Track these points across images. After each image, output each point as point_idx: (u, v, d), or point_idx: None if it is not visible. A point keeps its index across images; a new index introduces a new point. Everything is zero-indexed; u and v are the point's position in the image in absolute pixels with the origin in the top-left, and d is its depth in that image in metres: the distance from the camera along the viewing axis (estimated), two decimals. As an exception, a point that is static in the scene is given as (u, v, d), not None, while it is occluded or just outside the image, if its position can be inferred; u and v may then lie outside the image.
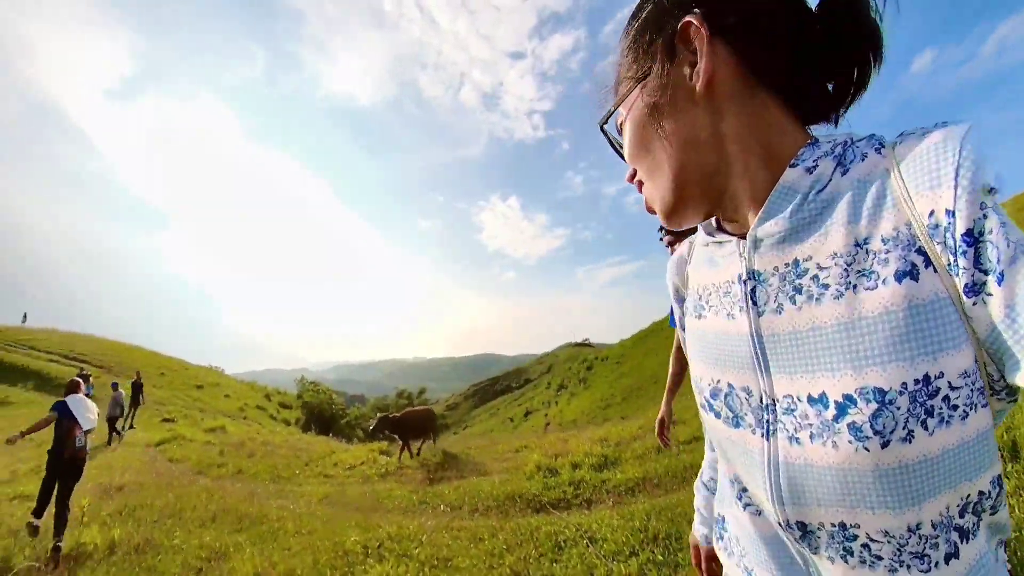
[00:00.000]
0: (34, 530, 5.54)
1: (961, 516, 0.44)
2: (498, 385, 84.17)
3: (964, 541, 0.45)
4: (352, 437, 22.48)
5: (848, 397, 0.44)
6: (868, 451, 0.43)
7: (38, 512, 5.68)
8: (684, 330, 0.70)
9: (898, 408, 0.42)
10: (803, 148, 0.50)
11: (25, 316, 35.95)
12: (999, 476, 0.46)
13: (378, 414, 12.70)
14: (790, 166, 0.49)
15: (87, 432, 5.94)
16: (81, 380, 6.30)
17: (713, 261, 0.61)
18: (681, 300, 0.71)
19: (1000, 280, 0.39)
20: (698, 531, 0.92)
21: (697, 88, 0.50)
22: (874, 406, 0.43)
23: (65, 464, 5.79)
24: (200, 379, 27.06)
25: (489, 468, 9.87)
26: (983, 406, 0.43)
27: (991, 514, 0.47)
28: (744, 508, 0.60)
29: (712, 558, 0.90)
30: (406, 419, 11.57)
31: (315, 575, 4.58)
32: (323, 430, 23.05)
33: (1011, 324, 0.39)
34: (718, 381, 0.57)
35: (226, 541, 5.75)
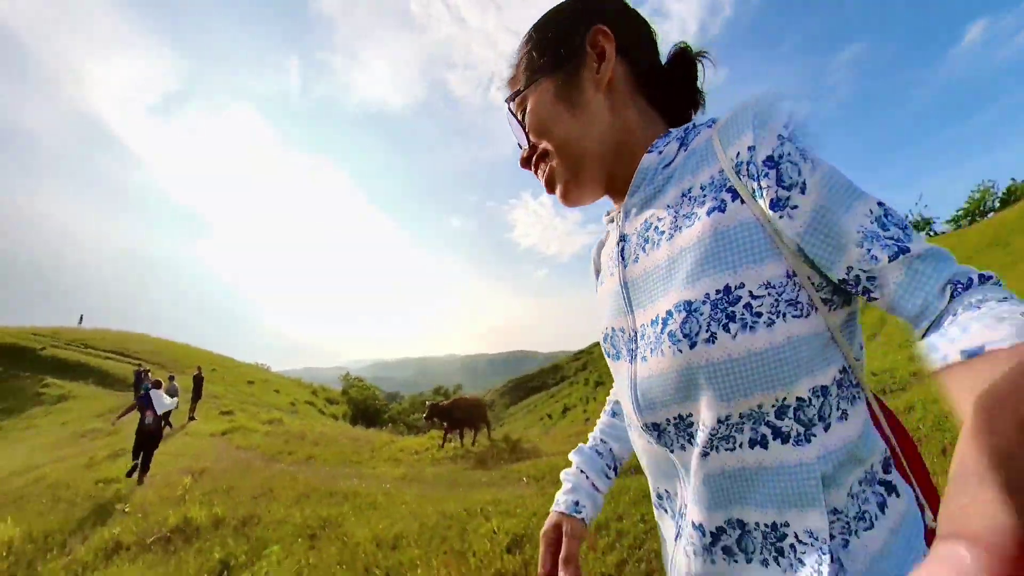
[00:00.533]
0: (131, 474, 8.01)
1: (778, 418, 0.50)
2: (533, 382, 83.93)
3: (780, 440, 0.50)
4: (398, 431, 22.53)
5: (668, 312, 0.54)
6: (681, 352, 0.52)
7: (131, 472, 8.02)
8: (597, 298, 0.77)
9: (701, 315, 0.51)
10: (657, 138, 0.64)
11: (81, 318, 37.29)
12: (825, 388, 0.50)
13: (428, 404, 12.57)
14: (647, 152, 0.63)
15: (159, 415, 8.30)
16: (143, 373, 9.16)
17: (609, 238, 0.74)
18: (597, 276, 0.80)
19: (803, 190, 0.48)
20: (563, 502, 0.83)
21: (600, 84, 0.62)
22: (683, 315, 0.52)
23: (146, 435, 8.12)
24: (250, 375, 27.53)
25: (554, 450, 9.60)
26: (795, 316, 0.49)
27: (824, 428, 0.50)
28: (632, 431, 0.68)
29: (574, 535, 0.77)
30: (456, 408, 11.51)
31: (428, 534, 4.61)
32: (368, 424, 23.11)
33: (817, 226, 0.48)
34: (607, 328, 0.69)
35: (329, 512, 5.61)
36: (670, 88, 0.66)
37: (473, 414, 11.62)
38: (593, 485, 0.83)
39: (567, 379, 76.44)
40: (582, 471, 0.85)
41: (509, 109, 0.70)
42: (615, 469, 0.87)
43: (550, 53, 0.64)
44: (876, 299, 0.48)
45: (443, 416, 11.44)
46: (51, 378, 23.18)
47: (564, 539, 0.76)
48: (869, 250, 0.46)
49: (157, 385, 8.75)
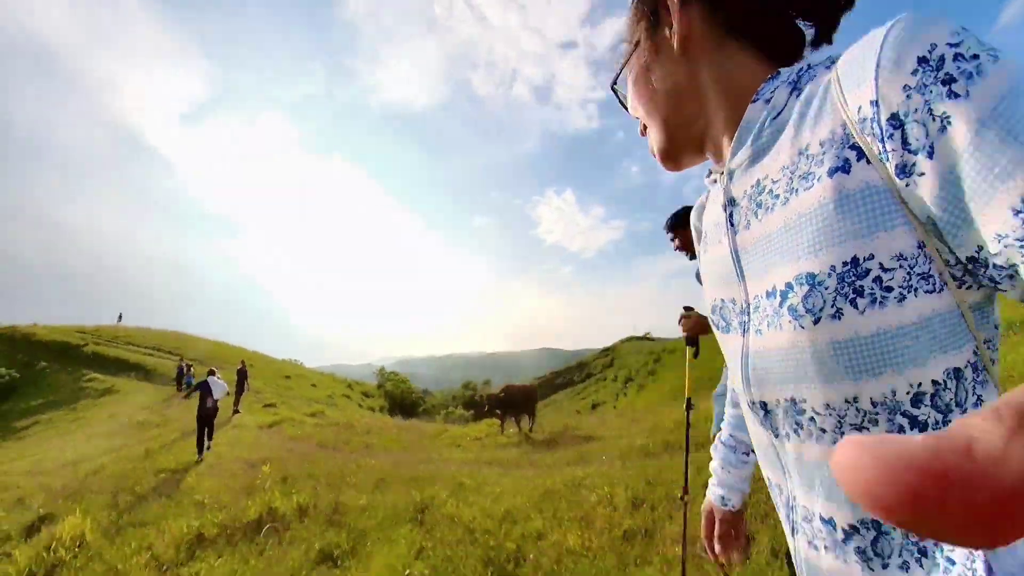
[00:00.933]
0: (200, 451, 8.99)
1: (914, 405, 0.43)
2: (560, 379, 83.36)
3: (918, 431, 0.43)
4: (449, 420, 22.31)
5: (788, 285, 0.48)
6: (803, 328, 0.47)
7: (199, 451, 8.94)
8: (701, 265, 0.73)
9: (826, 288, 0.44)
10: (763, 83, 0.55)
11: (120, 316, 37.91)
12: (959, 371, 0.43)
13: (477, 396, 12.47)
14: (752, 102, 0.54)
15: (216, 400, 9.48)
16: (185, 366, 11.12)
17: (712, 199, 0.66)
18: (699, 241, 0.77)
19: (930, 155, 0.38)
20: (712, 493, 0.96)
21: (675, 46, 0.57)
22: (806, 288, 0.46)
23: (205, 417, 9.20)
24: (286, 371, 27.52)
25: (614, 434, 9.18)
26: (927, 291, 0.42)
27: (960, 412, 0.43)
28: (744, 404, 0.63)
29: (726, 521, 0.94)
30: (510, 395, 11.52)
31: (540, 504, 4.52)
32: (407, 417, 22.79)
33: (946, 196, 0.38)
34: (717, 298, 0.64)
35: (422, 496, 5.14)
36: (774, 21, 0.56)
37: (526, 401, 11.64)
38: (735, 477, 0.93)
39: (593, 376, 75.89)
40: (722, 467, 0.95)
41: (613, 90, 0.71)
42: (750, 452, 0.92)
43: (634, 26, 0.63)
44: (1005, 291, 0.41)
45: (501, 404, 11.50)
46: (94, 373, 23.40)
47: (716, 524, 0.95)
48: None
49: (212, 373, 10.27)
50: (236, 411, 15.30)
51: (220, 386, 9.66)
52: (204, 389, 9.40)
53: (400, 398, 27.43)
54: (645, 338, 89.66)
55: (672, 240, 2.25)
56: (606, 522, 3.80)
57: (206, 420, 9.18)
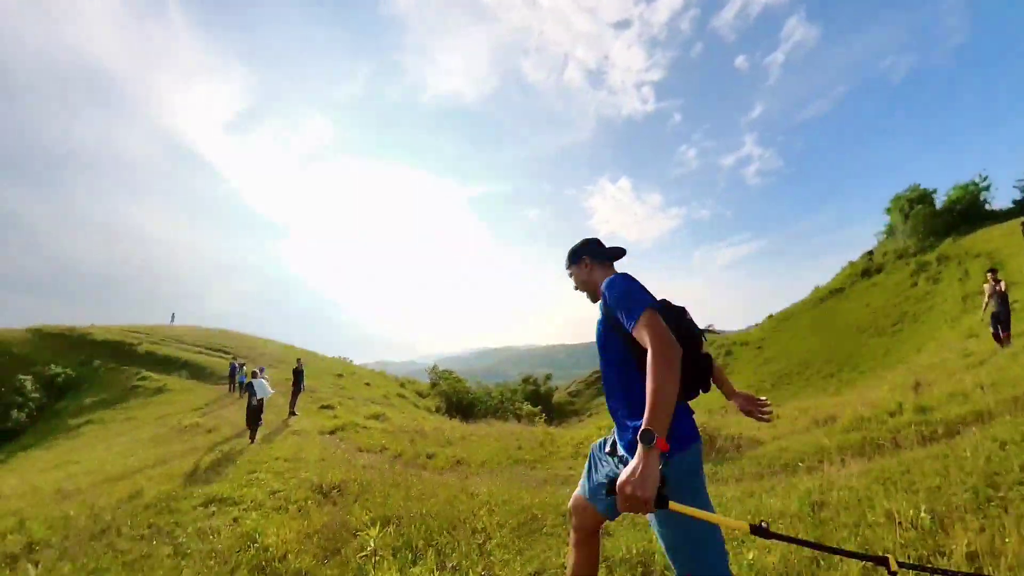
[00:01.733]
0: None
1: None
2: None
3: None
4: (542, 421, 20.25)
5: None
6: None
7: (252, 437, 10.07)
8: None
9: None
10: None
11: (173, 316, 37.82)
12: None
13: (542, 389, 9.83)
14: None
15: (260, 399, 10.42)
16: (237, 365, 13.13)
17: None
18: None
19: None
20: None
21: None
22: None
23: (252, 413, 10.31)
24: (337, 368, 26.11)
25: (771, 437, 6.73)
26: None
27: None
28: None
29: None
30: None
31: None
32: (464, 417, 20.80)
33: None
34: None
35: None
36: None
37: None
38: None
39: None
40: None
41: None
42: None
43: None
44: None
45: None
46: (147, 371, 22.58)
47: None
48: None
49: (255, 376, 11.02)
50: (293, 413, 13.68)
51: (264, 388, 10.65)
52: (250, 389, 10.56)
53: (456, 399, 25.52)
54: (708, 331, 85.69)
55: (570, 276, 2.23)
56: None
57: (253, 416, 10.37)
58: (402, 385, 27.24)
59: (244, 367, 17.68)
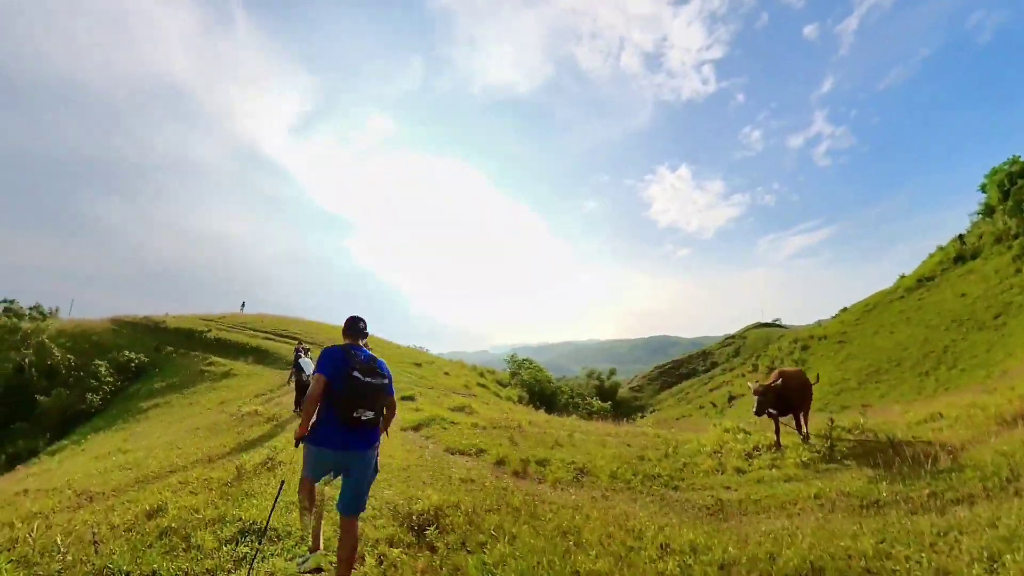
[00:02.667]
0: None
1: None
2: (683, 368, 77.61)
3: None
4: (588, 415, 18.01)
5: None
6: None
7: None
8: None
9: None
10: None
11: (243, 304, 37.98)
12: None
13: (749, 385, 7.53)
14: None
15: (308, 375, 10.34)
16: (302, 349, 11.65)
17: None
18: None
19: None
20: None
21: None
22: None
23: (300, 390, 10.54)
24: (414, 357, 24.60)
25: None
26: None
27: None
28: None
29: None
30: (789, 387, 7.10)
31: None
32: (549, 409, 18.59)
33: None
34: None
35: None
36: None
37: (806, 395, 7.58)
38: None
39: (718, 365, 69.78)
40: None
41: None
42: None
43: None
44: None
45: (776, 399, 6.93)
46: (215, 356, 21.96)
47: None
48: None
49: (305, 352, 11.39)
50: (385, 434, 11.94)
51: (311, 365, 10.39)
52: (296, 367, 10.86)
53: (538, 388, 23.35)
54: (775, 325, 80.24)
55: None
56: None
57: (298, 392, 10.50)
58: (481, 375, 25.34)
59: (309, 352, 16.40)
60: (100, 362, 22.22)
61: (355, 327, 3.51)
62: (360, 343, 3.45)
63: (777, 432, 7.03)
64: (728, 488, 5.50)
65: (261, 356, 21.78)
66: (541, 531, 3.74)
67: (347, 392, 2.94)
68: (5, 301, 29.19)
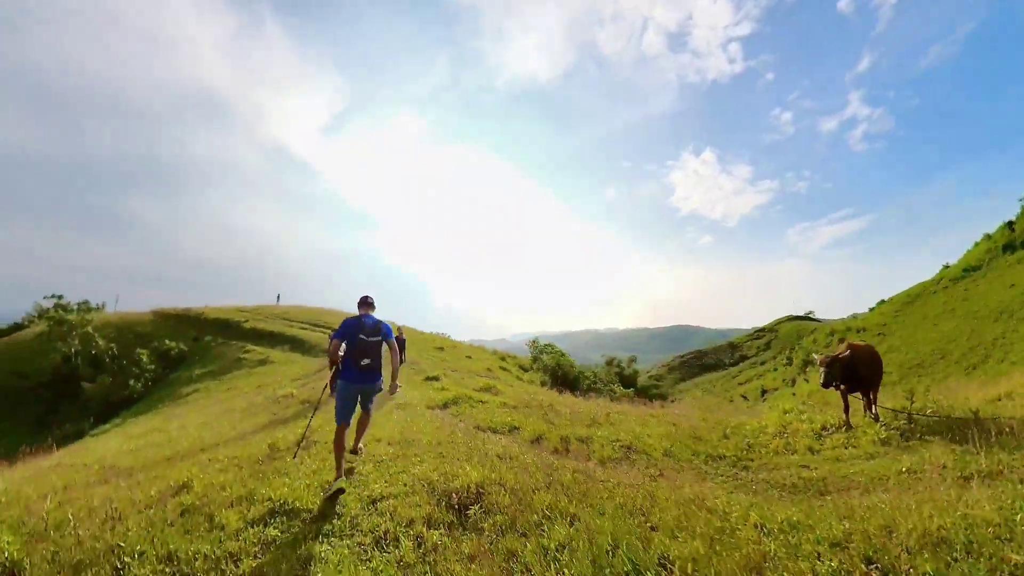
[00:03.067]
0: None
1: None
2: (706, 359, 75.12)
3: None
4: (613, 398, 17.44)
5: None
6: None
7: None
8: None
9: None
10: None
11: (279, 296, 38.70)
12: None
13: (814, 356, 6.72)
14: None
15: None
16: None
17: None
18: None
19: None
20: None
21: None
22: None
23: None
24: (437, 342, 24.48)
25: None
26: None
27: None
28: None
29: None
30: (859, 361, 6.45)
31: None
32: (572, 392, 18.10)
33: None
34: None
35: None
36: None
37: (876, 369, 6.75)
38: None
39: (747, 358, 67.50)
40: None
41: None
42: None
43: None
44: None
45: (844, 372, 6.31)
46: (252, 345, 22.27)
47: None
48: None
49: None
50: (397, 386, 11.68)
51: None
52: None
53: (561, 372, 22.87)
54: (808, 318, 77.20)
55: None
56: None
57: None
58: (503, 359, 25.07)
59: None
60: (142, 351, 22.82)
61: (364, 301, 4.84)
62: (370, 312, 4.79)
63: (846, 409, 6.41)
64: (806, 467, 4.95)
65: (297, 345, 22.01)
66: (597, 511, 3.28)
67: (356, 348, 4.42)
68: (54, 297, 30.38)
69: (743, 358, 69.64)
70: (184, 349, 24.06)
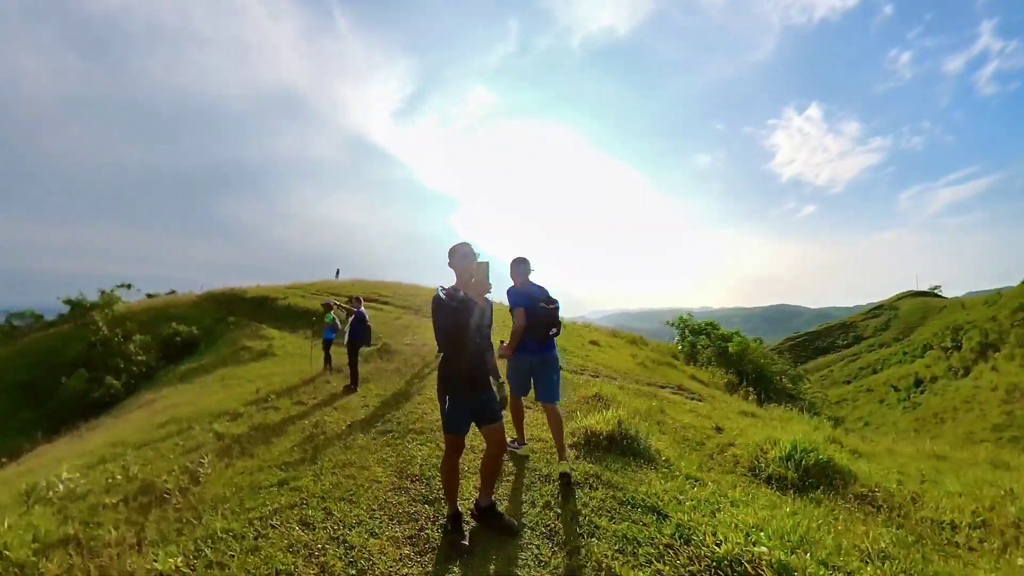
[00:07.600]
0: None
1: None
2: (820, 341, 64.39)
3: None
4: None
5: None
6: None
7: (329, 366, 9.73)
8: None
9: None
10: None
11: (338, 272, 33.65)
12: None
13: None
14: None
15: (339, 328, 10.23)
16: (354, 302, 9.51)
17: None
18: None
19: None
20: None
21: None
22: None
23: (352, 351, 9.08)
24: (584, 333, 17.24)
25: None
26: None
27: None
28: None
29: None
30: None
31: None
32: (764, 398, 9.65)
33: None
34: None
35: None
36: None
37: None
38: None
39: (864, 339, 57.35)
40: None
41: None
42: None
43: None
44: None
45: None
46: (269, 328, 16.28)
47: None
48: None
49: (328, 309, 10.38)
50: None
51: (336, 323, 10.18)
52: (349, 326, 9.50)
53: (751, 370, 14.69)
54: (932, 294, 63.64)
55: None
56: None
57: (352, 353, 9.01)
58: (633, 342, 16.81)
59: (333, 309, 9.88)
60: (142, 337, 17.49)
61: (522, 260, 4.45)
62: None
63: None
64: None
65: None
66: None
67: (537, 318, 4.14)
68: (123, 286, 27.00)
69: (859, 339, 59.08)
70: (196, 334, 18.34)
